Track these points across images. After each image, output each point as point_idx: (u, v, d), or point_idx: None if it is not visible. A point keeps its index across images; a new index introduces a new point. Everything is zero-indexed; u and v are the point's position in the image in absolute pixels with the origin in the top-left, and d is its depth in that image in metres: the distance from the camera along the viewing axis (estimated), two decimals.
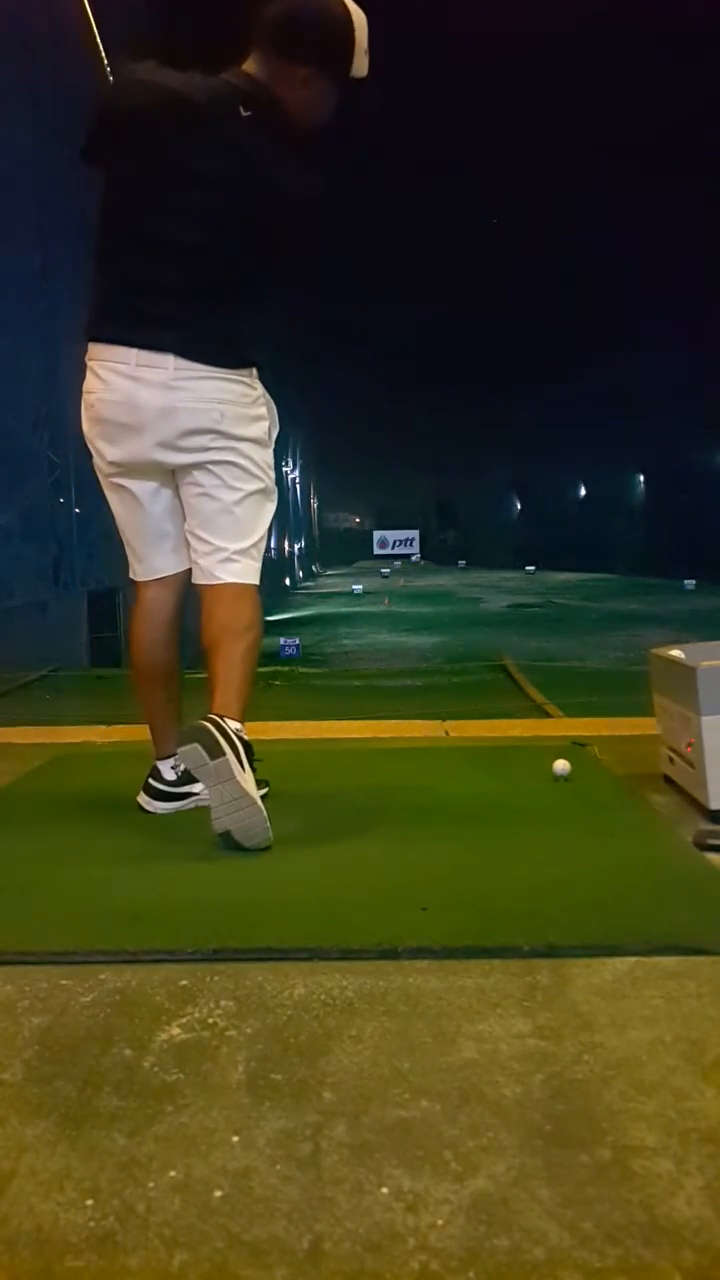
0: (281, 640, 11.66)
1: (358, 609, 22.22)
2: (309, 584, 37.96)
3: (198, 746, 1.91)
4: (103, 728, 3.50)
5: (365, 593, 27.15)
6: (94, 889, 1.82)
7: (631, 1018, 1.29)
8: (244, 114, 2.03)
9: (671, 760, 2.43)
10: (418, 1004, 1.34)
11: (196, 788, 2.31)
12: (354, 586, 28.99)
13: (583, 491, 44.81)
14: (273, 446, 2.27)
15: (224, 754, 1.91)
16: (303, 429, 39.97)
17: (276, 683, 8.12)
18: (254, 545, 2.23)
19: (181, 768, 2.31)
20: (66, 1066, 1.20)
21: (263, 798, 2.34)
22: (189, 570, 2.29)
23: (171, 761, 2.29)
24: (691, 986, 1.37)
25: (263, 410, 2.22)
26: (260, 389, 2.22)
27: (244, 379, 2.16)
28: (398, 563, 50.68)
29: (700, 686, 2.15)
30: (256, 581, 2.23)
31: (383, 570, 42.59)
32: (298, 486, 41.44)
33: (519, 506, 54.44)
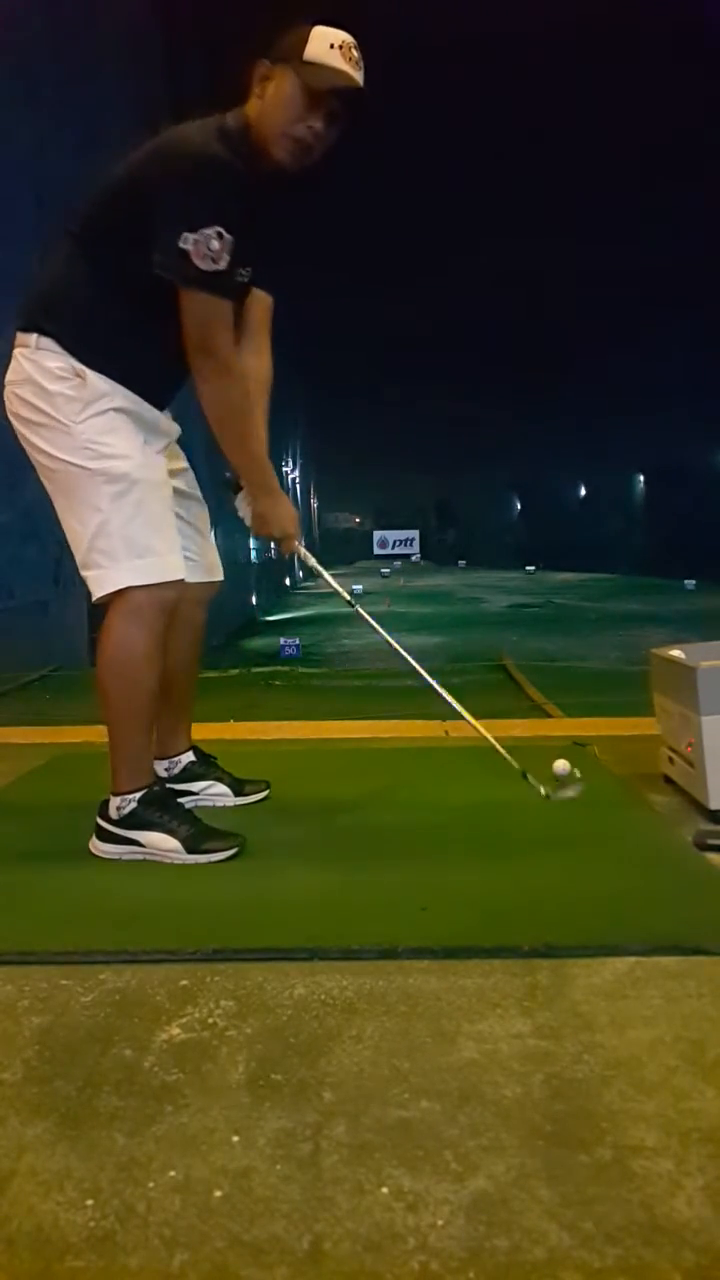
0: (281, 640, 11.65)
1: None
2: (309, 584, 37.94)
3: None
4: (103, 728, 3.49)
5: (365, 593, 27.15)
6: (94, 889, 1.82)
7: (631, 1018, 1.29)
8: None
9: (671, 760, 2.42)
10: (418, 1004, 1.34)
11: (196, 787, 2.31)
12: (354, 587, 28.94)
13: (583, 491, 44.81)
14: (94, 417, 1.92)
15: (105, 840, 2.00)
16: (303, 429, 39.99)
17: (276, 683, 8.11)
18: (87, 551, 1.93)
19: (177, 769, 2.31)
20: (66, 1066, 1.20)
21: (263, 798, 2.35)
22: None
23: (166, 763, 2.29)
24: (691, 986, 1.37)
25: (53, 387, 1.91)
26: (51, 360, 1.92)
27: (28, 347, 1.94)
28: (398, 563, 50.64)
29: (700, 686, 2.15)
30: (109, 589, 1.93)
31: (383, 570, 42.55)
32: (298, 486, 41.45)
33: (519, 506, 54.43)
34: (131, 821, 1.96)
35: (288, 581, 32.74)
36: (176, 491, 2.14)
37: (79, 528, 1.95)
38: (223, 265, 1.84)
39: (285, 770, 2.56)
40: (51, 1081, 1.17)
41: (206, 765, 2.35)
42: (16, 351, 1.97)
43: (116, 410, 1.95)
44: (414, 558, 57.16)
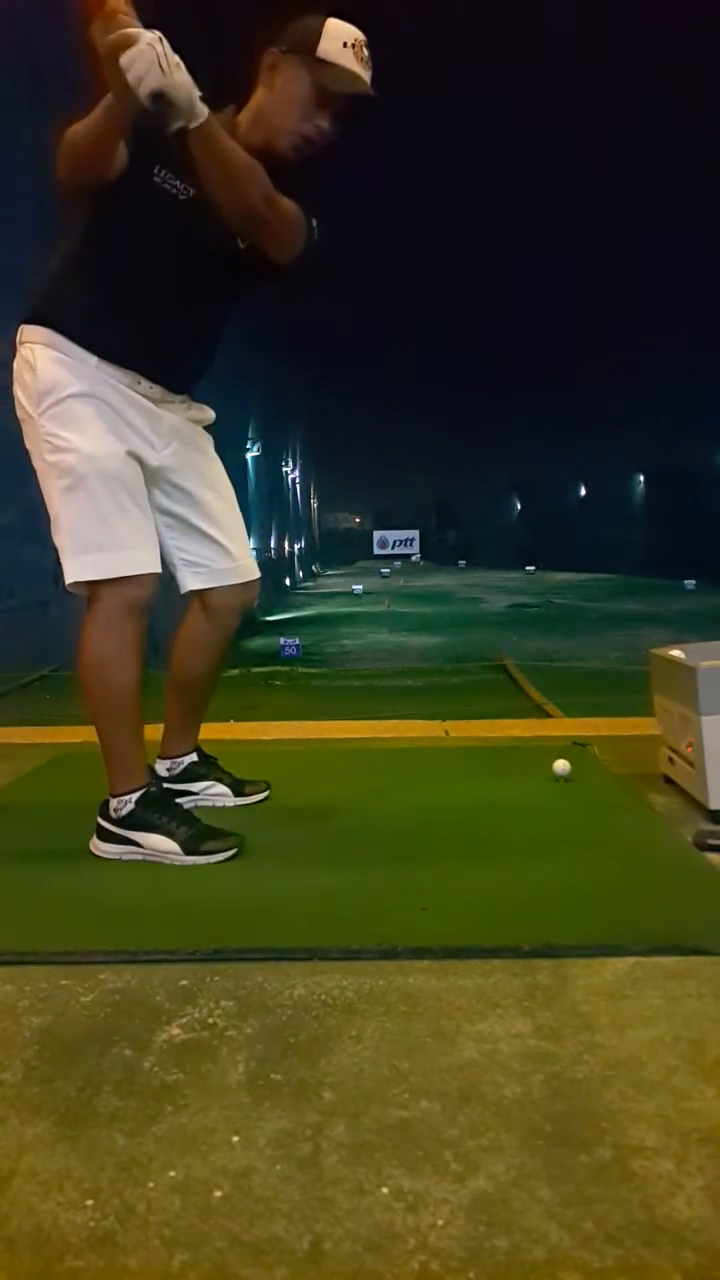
0: (282, 640, 11.66)
1: (358, 609, 22.22)
2: (309, 584, 37.93)
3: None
4: None
5: (365, 593, 27.15)
6: (94, 889, 1.82)
7: (631, 1018, 1.29)
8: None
9: (671, 760, 2.42)
10: (418, 1004, 1.34)
11: (196, 787, 2.31)
12: (354, 587, 28.97)
13: (583, 491, 44.80)
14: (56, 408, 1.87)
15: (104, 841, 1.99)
16: (303, 429, 39.97)
17: (277, 683, 8.12)
18: (71, 538, 1.89)
19: (178, 770, 2.31)
20: (66, 1066, 1.20)
21: (263, 798, 2.35)
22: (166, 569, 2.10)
23: (168, 763, 2.29)
24: (691, 986, 1.37)
25: (30, 376, 1.88)
26: (43, 352, 1.88)
27: (24, 340, 1.90)
28: (398, 563, 50.63)
29: (700, 686, 2.15)
30: (68, 581, 1.90)
31: (383, 570, 42.54)
32: (298, 486, 41.43)
33: (519, 506, 54.42)
34: (130, 822, 1.95)
35: (288, 581, 32.74)
36: (179, 489, 2.08)
37: (52, 520, 1.93)
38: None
39: (285, 770, 2.56)
40: (51, 1081, 1.17)
41: (207, 765, 2.35)
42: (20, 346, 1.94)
43: (78, 397, 1.86)
44: (414, 558, 57.14)
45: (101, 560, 1.89)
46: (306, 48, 1.86)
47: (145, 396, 1.98)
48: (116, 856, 1.96)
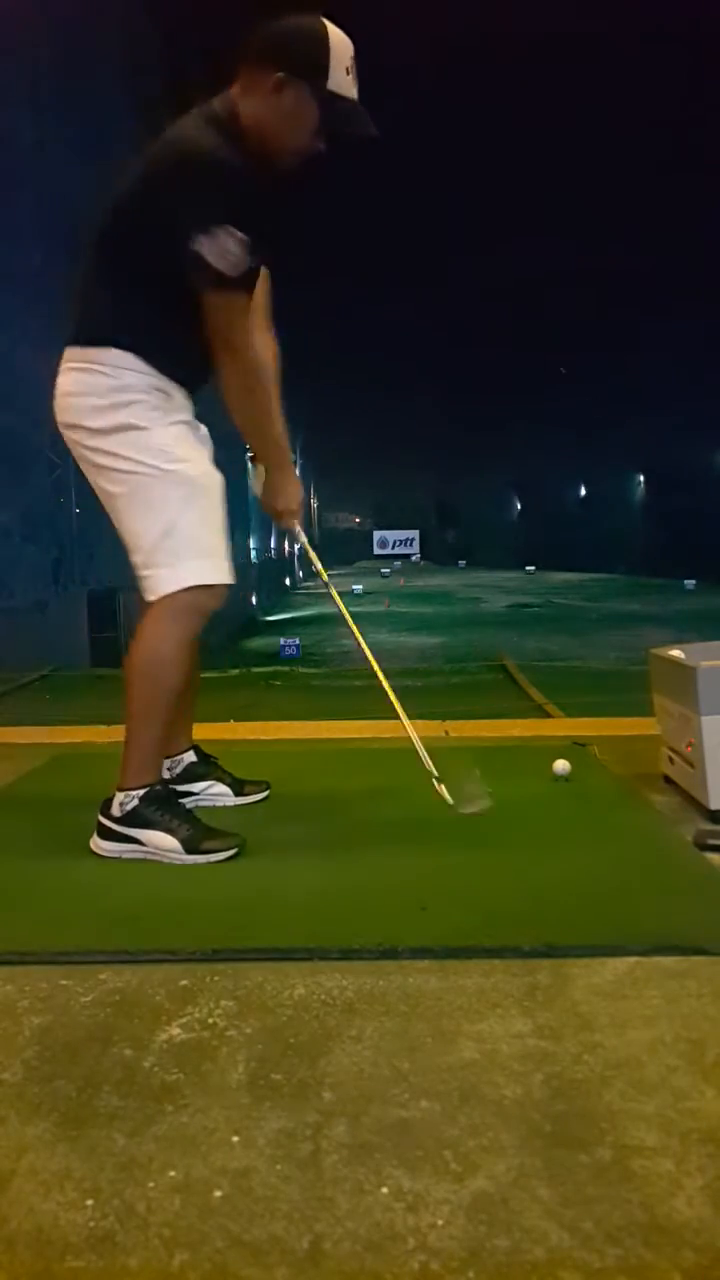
0: (281, 640, 11.67)
1: (358, 609, 22.19)
2: (309, 584, 37.93)
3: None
4: (103, 728, 3.49)
5: (365, 593, 27.15)
6: (94, 889, 1.82)
7: (631, 1018, 1.29)
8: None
9: (671, 760, 2.42)
10: (418, 1004, 1.34)
11: (197, 787, 2.31)
12: (354, 587, 28.97)
13: (583, 491, 44.80)
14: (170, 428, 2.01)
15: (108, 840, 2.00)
16: (303, 429, 40.00)
17: (276, 683, 8.11)
18: (151, 550, 1.97)
19: (179, 769, 2.31)
20: (66, 1066, 1.20)
21: (263, 798, 2.35)
22: None
23: (169, 762, 2.29)
24: (691, 986, 1.37)
25: (130, 396, 1.98)
26: (128, 375, 1.98)
27: (91, 363, 1.98)
28: (398, 563, 50.66)
29: (700, 686, 2.15)
30: (170, 589, 1.97)
31: (383, 570, 42.57)
32: None
33: (519, 506, 54.42)
34: (133, 819, 1.96)
35: (288, 581, 32.73)
36: None
37: (143, 528, 1.98)
38: (243, 266, 1.87)
39: (285, 770, 2.56)
40: (51, 1081, 1.17)
41: (207, 765, 2.35)
42: (79, 365, 1.99)
43: (185, 422, 2.06)
44: (414, 558, 57.18)
45: (209, 567, 2.00)
46: (315, 74, 1.89)
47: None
48: (117, 855, 1.97)
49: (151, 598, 1.98)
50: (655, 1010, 1.31)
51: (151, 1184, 0.98)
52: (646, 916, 1.61)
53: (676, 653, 2.36)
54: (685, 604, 19.66)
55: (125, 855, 1.97)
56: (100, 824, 2.00)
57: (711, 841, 1.97)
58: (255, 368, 2.05)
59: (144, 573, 1.99)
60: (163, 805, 1.98)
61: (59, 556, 11.54)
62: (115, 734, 3.35)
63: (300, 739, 3.25)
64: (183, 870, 1.90)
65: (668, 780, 2.48)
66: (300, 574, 36.46)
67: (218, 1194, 0.96)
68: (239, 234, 1.84)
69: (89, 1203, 0.95)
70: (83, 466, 2.06)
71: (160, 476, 1.97)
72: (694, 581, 24.66)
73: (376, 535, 61.68)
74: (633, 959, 1.46)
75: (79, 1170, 1.00)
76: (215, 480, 2.06)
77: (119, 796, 1.99)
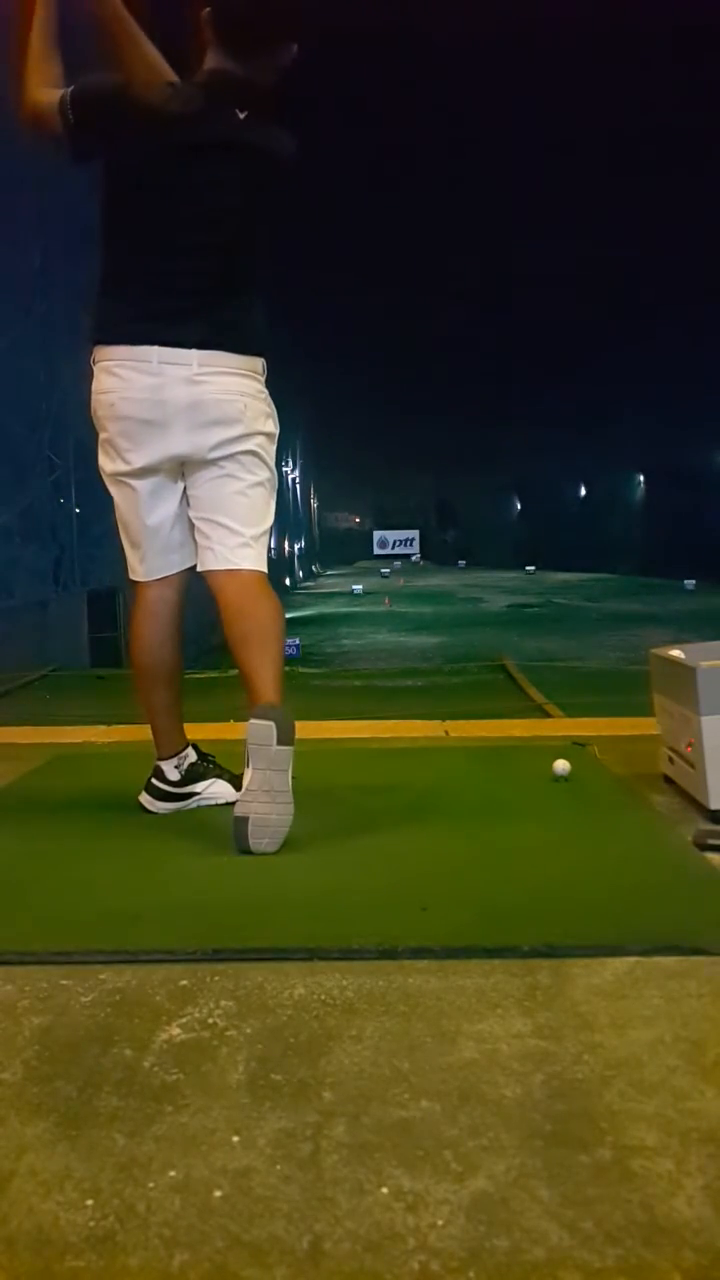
0: None
1: (358, 609, 22.22)
2: (309, 584, 37.94)
3: (273, 726, 1.95)
4: (103, 728, 3.49)
5: (365, 593, 27.16)
6: (94, 889, 1.82)
7: (631, 1018, 1.29)
8: (240, 116, 2.12)
9: (671, 760, 2.42)
10: (418, 1004, 1.34)
11: (200, 787, 2.31)
12: (354, 587, 29.01)
13: (583, 491, 44.79)
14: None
15: (290, 744, 1.98)
16: (303, 429, 39.98)
17: None
18: (264, 533, 2.26)
19: (185, 766, 2.31)
20: (66, 1066, 1.20)
21: None
22: (191, 568, 2.29)
23: (175, 761, 2.29)
24: (691, 986, 1.37)
25: (272, 405, 2.26)
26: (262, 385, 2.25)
27: (257, 373, 2.21)
28: (398, 563, 50.65)
29: (700, 686, 2.15)
30: (263, 567, 2.27)
31: (383, 570, 42.58)
32: (298, 486, 41.41)
33: (519, 506, 54.42)
34: (191, 775, 2.28)
35: (287, 581, 32.72)
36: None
37: (262, 527, 2.28)
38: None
39: None
40: (51, 1081, 1.17)
41: (205, 763, 2.35)
42: (242, 371, 2.18)
43: None
44: (414, 558, 57.15)
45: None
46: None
47: None
48: (168, 811, 2.25)
49: (249, 566, 2.23)
50: (655, 1010, 1.31)
51: (151, 1184, 0.98)
52: (646, 916, 1.61)
53: (676, 653, 2.36)
54: (685, 604, 19.66)
55: (185, 807, 2.27)
56: (152, 787, 2.28)
57: (711, 841, 1.97)
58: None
59: (252, 543, 2.23)
60: (207, 761, 2.33)
61: (59, 556, 11.54)
62: (115, 734, 3.36)
63: (300, 739, 3.24)
64: (183, 870, 1.90)
65: (668, 780, 2.48)
66: (300, 574, 36.47)
67: (218, 1194, 0.96)
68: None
69: (89, 1203, 0.95)
70: (209, 460, 2.18)
71: (266, 482, 2.27)
72: (694, 581, 24.66)
73: (376, 535, 61.66)
74: (633, 959, 1.46)
75: (79, 1170, 1.00)
76: None
77: (171, 761, 2.28)
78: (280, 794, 1.94)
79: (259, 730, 1.94)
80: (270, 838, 1.94)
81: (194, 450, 2.15)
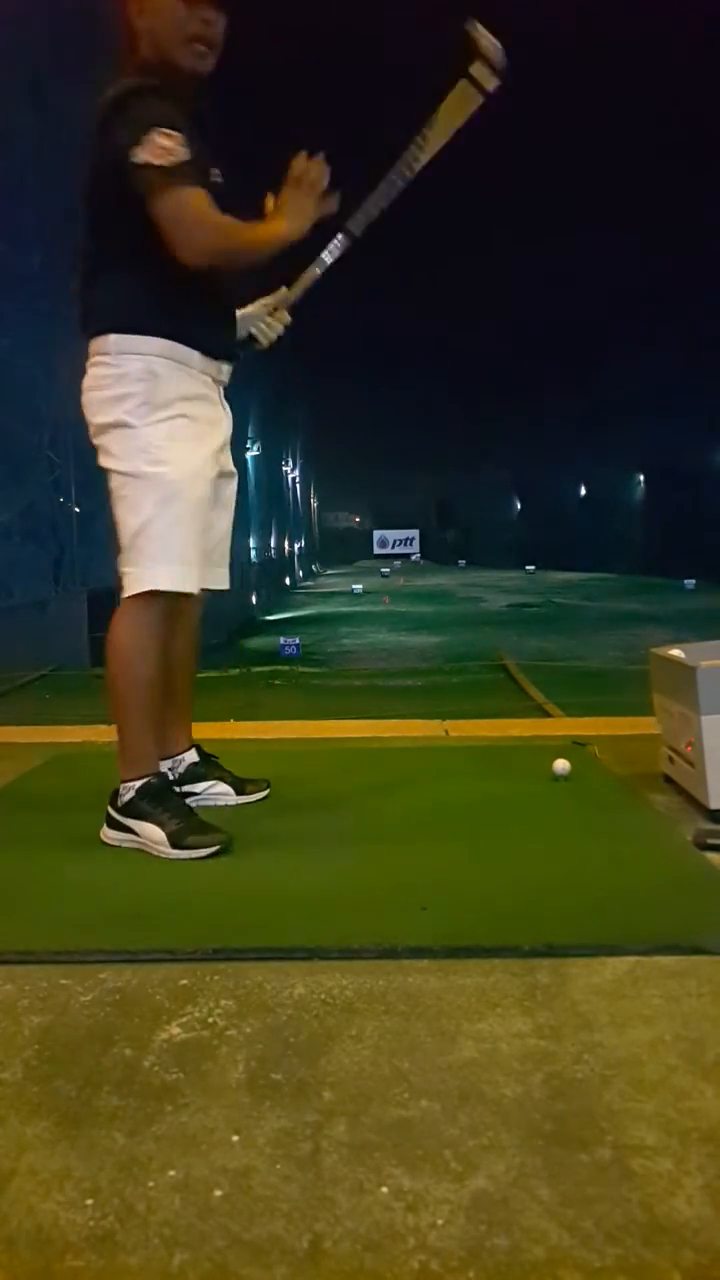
0: (281, 640, 11.68)
1: (358, 608, 22.22)
2: (309, 584, 37.92)
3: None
4: (103, 728, 3.49)
5: (365, 592, 27.15)
6: (94, 889, 1.82)
7: (631, 1017, 1.29)
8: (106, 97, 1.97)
9: (671, 760, 2.42)
10: (418, 1004, 1.34)
11: (199, 787, 2.31)
12: (354, 586, 28.97)
13: (583, 491, 44.78)
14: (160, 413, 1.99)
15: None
16: (302, 429, 39.99)
17: (276, 682, 8.12)
18: (126, 550, 2.00)
19: (180, 769, 2.31)
20: (66, 1066, 1.20)
21: (264, 797, 2.35)
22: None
23: (170, 762, 2.29)
24: (691, 986, 1.37)
25: (120, 384, 1.98)
26: (129, 361, 1.98)
27: (102, 354, 2.00)
28: (398, 562, 50.65)
29: (700, 686, 2.15)
30: (135, 590, 1.99)
31: (383, 570, 42.56)
32: (298, 486, 41.41)
33: (519, 506, 54.40)
34: (129, 810, 2.03)
35: (287, 581, 32.73)
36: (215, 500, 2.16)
37: (123, 526, 2.02)
38: (181, 156, 1.86)
39: (285, 770, 2.56)
40: (51, 1081, 1.17)
41: (208, 765, 2.35)
42: (91, 359, 2.02)
43: (186, 416, 2.02)
44: (414, 557, 57.16)
45: (177, 573, 2.00)
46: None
47: (220, 383, 2.14)
48: (118, 843, 2.03)
49: (124, 595, 2.02)
50: (655, 1010, 1.31)
51: (151, 1184, 0.98)
52: (646, 916, 1.61)
53: (676, 652, 2.36)
54: (685, 604, 19.65)
55: (124, 844, 2.02)
56: (108, 813, 2.06)
57: (711, 841, 1.97)
58: (221, 227, 1.92)
59: (121, 569, 2.03)
60: (155, 798, 2.02)
61: (59, 556, 11.55)
62: (114, 733, 3.36)
63: (300, 739, 3.25)
64: (183, 869, 1.90)
65: (668, 780, 2.48)
66: (300, 573, 36.46)
67: (218, 1193, 0.96)
68: (172, 132, 1.85)
69: (89, 1202, 0.95)
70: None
71: (140, 479, 1.98)
72: (694, 581, 24.65)
73: (376, 535, 61.67)
74: (633, 959, 1.46)
75: (79, 1170, 1.00)
76: (200, 482, 2.04)
77: (120, 788, 2.04)
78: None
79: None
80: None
81: None
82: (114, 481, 2.02)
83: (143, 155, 1.84)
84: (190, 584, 2.03)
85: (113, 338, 1.98)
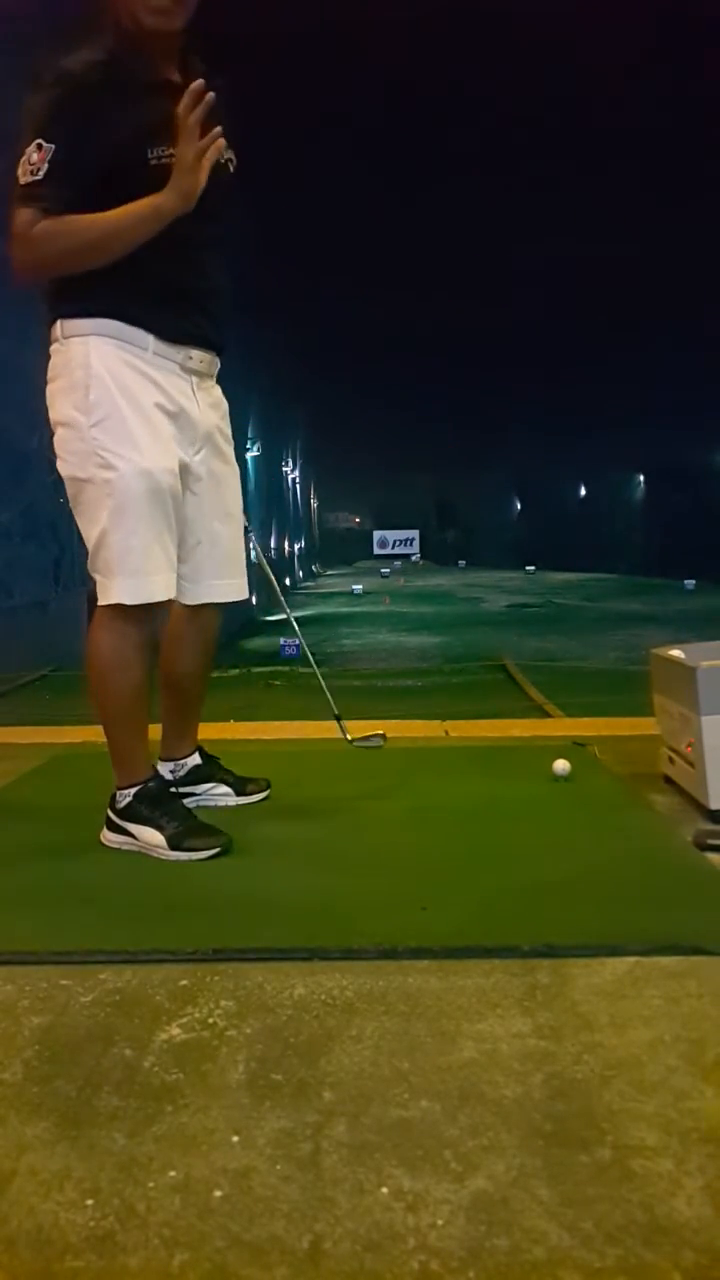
0: (281, 640, 11.66)
1: (358, 609, 22.24)
2: (309, 584, 37.93)
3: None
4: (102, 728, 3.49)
5: (365, 593, 27.17)
6: (94, 889, 1.82)
7: (631, 1018, 1.29)
8: None
9: (671, 760, 2.42)
10: (418, 1004, 1.34)
11: (200, 789, 2.31)
12: (354, 586, 28.99)
13: (583, 491, 44.78)
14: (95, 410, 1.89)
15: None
16: (303, 429, 39.98)
17: (276, 683, 8.12)
18: (91, 558, 1.96)
19: (182, 772, 2.31)
20: (66, 1066, 1.20)
21: (264, 797, 2.35)
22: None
23: (172, 765, 2.29)
24: (691, 986, 1.37)
25: (70, 372, 1.91)
26: (74, 346, 1.91)
27: (57, 340, 1.94)
28: (398, 562, 50.68)
29: (700, 686, 2.15)
30: (103, 601, 1.95)
31: (383, 570, 42.59)
32: (298, 487, 41.41)
33: (519, 506, 54.42)
34: (127, 814, 2.02)
35: (288, 581, 32.73)
36: (196, 497, 2.07)
37: (85, 534, 1.97)
38: (37, 175, 1.79)
39: (285, 770, 2.56)
40: (51, 1081, 1.17)
41: (210, 767, 2.35)
42: (54, 352, 1.97)
43: (134, 408, 1.90)
44: (414, 558, 57.17)
45: (141, 585, 1.93)
46: None
47: (194, 372, 2.02)
48: (117, 846, 2.03)
49: (98, 603, 1.97)
50: (655, 1010, 1.31)
51: (151, 1184, 0.98)
52: (646, 916, 1.61)
53: (676, 653, 2.36)
54: (685, 604, 19.66)
55: (124, 847, 2.02)
56: (107, 816, 2.05)
57: (711, 841, 1.97)
58: (51, 235, 1.81)
59: (91, 574, 1.99)
60: (153, 803, 2.01)
61: (59, 556, 11.54)
62: None
63: (300, 739, 3.25)
64: (182, 870, 1.90)
65: (668, 780, 2.48)
66: (300, 574, 36.46)
67: (218, 1194, 0.96)
68: (45, 144, 1.79)
69: (89, 1203, 0.95)
70: None
71: (92, 484, 1.90)
72: (694, 581, 24.67)
73: (376, 535, 61.68)
74: (633, 959, 1.46)
75: (79, 1170, 1.00)
76: (156, 481, 1.91)
77: (117, 793, 2.04)
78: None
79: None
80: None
81: None
82: (70, 488, 1.96)
83: (17, 166, 1.81)
84: (155, 594, 1.94)
85: (60, 323, 1.93)
